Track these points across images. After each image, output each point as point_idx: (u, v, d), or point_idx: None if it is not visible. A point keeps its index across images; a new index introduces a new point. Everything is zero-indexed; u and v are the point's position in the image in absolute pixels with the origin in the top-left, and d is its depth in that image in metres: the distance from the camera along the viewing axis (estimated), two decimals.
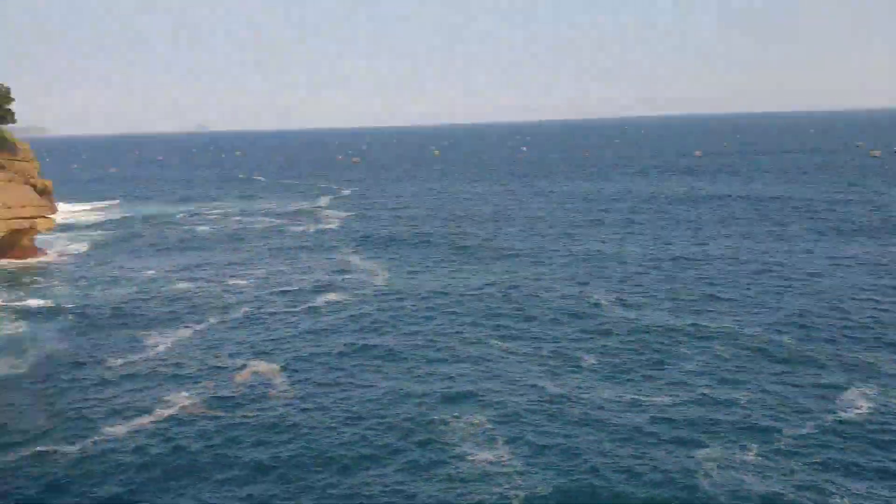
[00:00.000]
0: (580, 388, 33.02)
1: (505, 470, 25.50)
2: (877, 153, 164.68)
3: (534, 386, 33.29)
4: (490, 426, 29.01)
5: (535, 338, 40.54)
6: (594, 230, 76.21)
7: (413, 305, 47.74)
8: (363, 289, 52.96)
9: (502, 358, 37.36)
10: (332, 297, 50.53)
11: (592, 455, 26.35)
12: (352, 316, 45.50)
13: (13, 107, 78.81)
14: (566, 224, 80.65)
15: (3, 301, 51.15)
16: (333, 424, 29.57)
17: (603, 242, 68.58)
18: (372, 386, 33.86)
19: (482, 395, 32.16)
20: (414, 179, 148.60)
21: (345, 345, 39.87)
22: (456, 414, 30.28)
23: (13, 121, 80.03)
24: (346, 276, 57.46)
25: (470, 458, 26.47)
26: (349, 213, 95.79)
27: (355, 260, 64.28)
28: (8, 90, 77.66)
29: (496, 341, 40.01)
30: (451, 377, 34.74)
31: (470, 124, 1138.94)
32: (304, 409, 31.09)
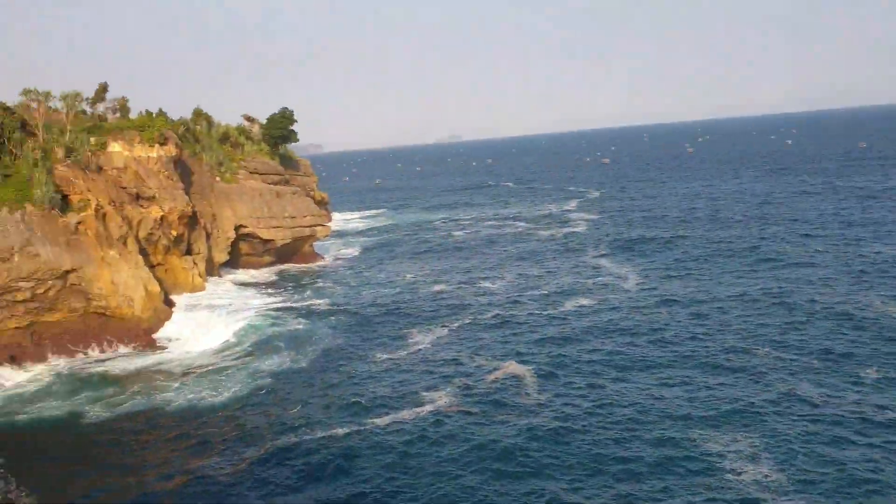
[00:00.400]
0: (858, 404, 29.36)
1: (770, 496, 23.39)
2: None
3: (805, 401, 30.23)
4: (756, 445, 26.80)
5: (806, 348, 36.83)
6: (874, 230, 67.49)
7: (667, 311, 45.77)
8: (614, 293, 51.88)
9: (770, 370, 34.39)
10: (582, 301, 50.13)
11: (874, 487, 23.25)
12: (603, 321, 44.73)
13: (296, 127, 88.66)
14: (840, 223, 72.37)
15: (288, 301, 57.55)
16: (588, 430, 29.21)
17: (885, 244, 60.45)
18: (625, 395, 32.94)
19: (748, 411, 29.85)
20: (666, 178, 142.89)
21: (596, 350, 39.30)
22: (718, 430, 28.42)
23: (296, 140, 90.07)
24: (596, 280, 56.69)
25: (733, 478, 24.66)
26: (599, 216, 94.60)
27: (605, 263, 63.23)
28: (291, 113, 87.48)
29: (761, 350, 36.97)
30: (710, 388, 32.71)
31: (726, 118, 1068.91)
32: (556, 416, 31.04)
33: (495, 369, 37.29)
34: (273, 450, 29.72)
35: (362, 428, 31.15)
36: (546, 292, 53.65)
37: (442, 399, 33.70)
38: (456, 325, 46.47)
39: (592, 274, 59.27)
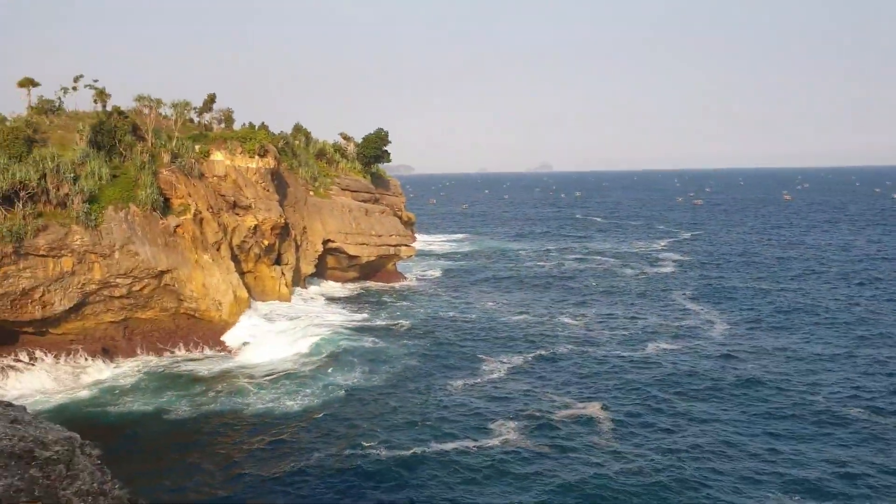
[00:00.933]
0: None
1: None
2: None
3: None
4: None
5: None
6: None
7: (755, 365, 43.83)
8: (700, 339, 50.18)
9: (868, 435, 32.37)
10: (666, 345, 48.68)
11: None
12: (686, 367, 43.25)
13: (389, 148, 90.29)
14: None
15: (368, 318, 58.23)
16: (659, 484, 28.15)
17: None
18: (701, 448, 31.60)
19: (837, 476, 28.14)
20: (761, 224, 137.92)
21: (676, 397, 37.96)
22: (800, 497, 26.87)
23: (388, 160, 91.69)
24: (682, 324, 54.99)
25: None
26: (687, 258, 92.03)
27: (692, 307, 61.30)
28: (386, 134, 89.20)
29: (854, 411, 34.85)
30: (796, 451, 31.03)
31: (828, 168, 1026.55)
32: (628, 464, 30.07)
33: (569, 407, 36.53)
34: (338, 462, 30.00)
35: (427, 452, 31.02)
36: (629, 332, 52.40)
37: (511, 433, 33.20)
38: (533, 357, 45.88)
39: (678, 317, 57.53)
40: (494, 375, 42.13)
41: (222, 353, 47.35)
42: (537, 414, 35.47)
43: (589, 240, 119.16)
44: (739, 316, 57.60)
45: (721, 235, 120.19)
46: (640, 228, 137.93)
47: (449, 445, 31.68)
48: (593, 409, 36.17)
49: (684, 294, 67.30)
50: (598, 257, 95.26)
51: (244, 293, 52.13)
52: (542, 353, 46.79)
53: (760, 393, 38.48)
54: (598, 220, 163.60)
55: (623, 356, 46.02)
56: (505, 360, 45.18)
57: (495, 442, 32.15)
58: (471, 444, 32.00)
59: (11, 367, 41.87)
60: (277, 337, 50.59)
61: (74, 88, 57.35)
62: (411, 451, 30.98)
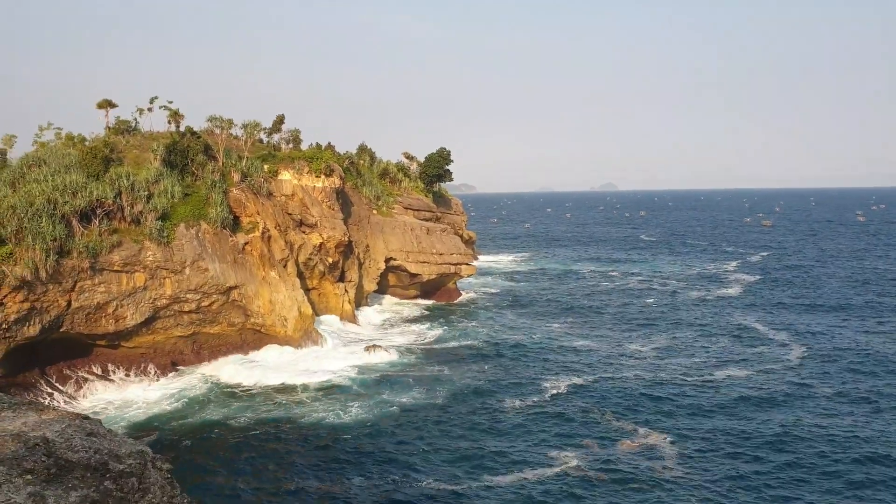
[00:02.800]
0: None
1: None
2: None
3: None
4: None
5: None
6: None
7: (835, 391, 42.08)
8: (771, 364, 48.51)
9: None
10: (735, 371, 47.17)
11: None
12: (757, 394, 41.78)
13: (451, 167, 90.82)
14: None
15: (427, 336, 58.29)
16: None
17: None
18: (768, 480, 30.43)
19: None
20: (832, 245, 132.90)
21: (748, 428, 36.62)
22: None
23: (450, 179, 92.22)
24: (752, 349, 53.22)
25: None
26: (756, 280, 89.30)
27: (761, 332, 59.27)
28: (448, 153, 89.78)
29: None
30: (879, 485, 29.55)
31: None
32: (693, 496, 29.14)
33: (631, 435, 35.67)
34: (384, 481, 29.91)
35: (479, 477, 30.65)
36: (697, 357, 51.03)
37: (569, 462, 32.51)
38: (595, 382, 45.04)
39: (748, 342, 55.71)
40: (555, 401, 41.45)
41: (285, 367, 48.08)
42: (598, 441, 34.76)
43: (654, 261, 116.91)
44: (812, 344, 55.39)
45: (792, 258, 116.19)
46: (706, 250, 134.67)
47: (505, 477, 31.09)
48: (656, 437, 35.25)
49: (752, 319, 65.20)
50: (664, 279, 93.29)
51: (309, 309, 52.92)
52: (606, 378, 45.88)
53: (837, 422, 36.87)
54: (663, 240, 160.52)
55: (690, 381, 44.76)
56: (567, 385, 44.46)
57: (554, 471, 31.55)
58: (529, 473, 31.41)
59: (86, 380, 43.41)
60: (337, 352, 51.13)
61: (150, 109, 59.64)
62: (461, 475, 30.67)
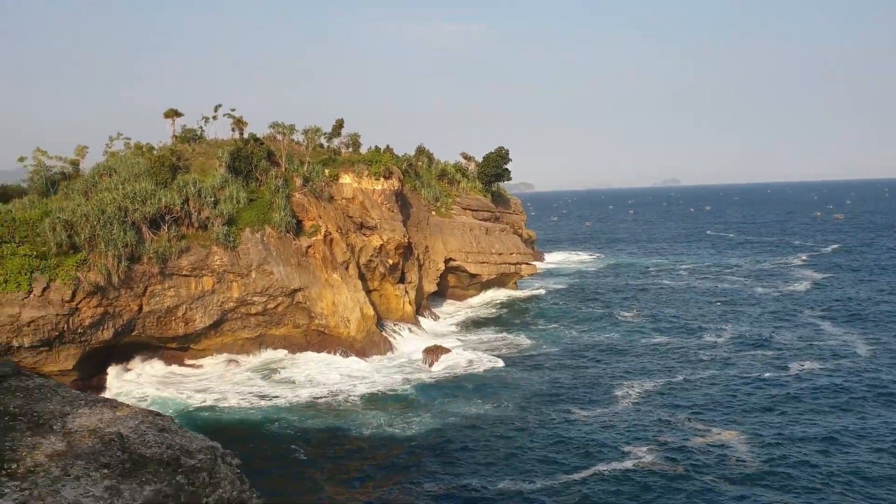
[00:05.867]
0: None
1: None
2: None
3: None
4: None
5: None
6: None
7: None
8: (838, 359, 46.75)
9: None
10: (805, 364, 45.65)
11: None
12: (827, 391, 40.30)
13: (509, 166, 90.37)
14: None
15: (490, 338, 58.09)
16: None
17: None
18: (841, 479, 29.23)
19: None
20: None
21: (819, 423, 35.36)
22: None
23: (508, 178, 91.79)
24: (820, 344, 51.40)
25: None
26: (827, 276, 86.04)
27: (831, 329, 57.07)
28: (507, 152, 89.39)
29: None
30: None
31: None
32: (766, 491, 28.23)
33: (704, 432, 34.79)
34: (455, 486, 29.84)
35: (555, 482, 30.29)
36: (768, 353, 49.46)
37: (643, 456, 31.92)
38: (667, 380, 44.11)
39: (818, 340, 53.62)
40: (627, 398, 40.73)
41: (348, 367, 48.58)
42: (671, 441, 33.96)
43: (721, 256, 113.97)
44: (885, 339, 53.14)
45: (865, 252, 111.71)
46: (774, 245, 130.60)
47: (576, 476, 30.69)
48: (730, 434, 34.27)
49: (823, 315, 62.89)
50: (733, 275, 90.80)
51: (370, 310, 53.40)
52: (679, 376, 44.78)
53: None
54: (731, 235, 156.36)
55: (764, 378, 43.40)
56: (638, 384, 43.56)
57: (625, 466, 31.01)
58: (603, 467, 31.01)
59: (163, 382, 44.76)
60: (400, 355, 51.41)
61: (214, 117, 61.20)
62: (535, 484, 30.35)
